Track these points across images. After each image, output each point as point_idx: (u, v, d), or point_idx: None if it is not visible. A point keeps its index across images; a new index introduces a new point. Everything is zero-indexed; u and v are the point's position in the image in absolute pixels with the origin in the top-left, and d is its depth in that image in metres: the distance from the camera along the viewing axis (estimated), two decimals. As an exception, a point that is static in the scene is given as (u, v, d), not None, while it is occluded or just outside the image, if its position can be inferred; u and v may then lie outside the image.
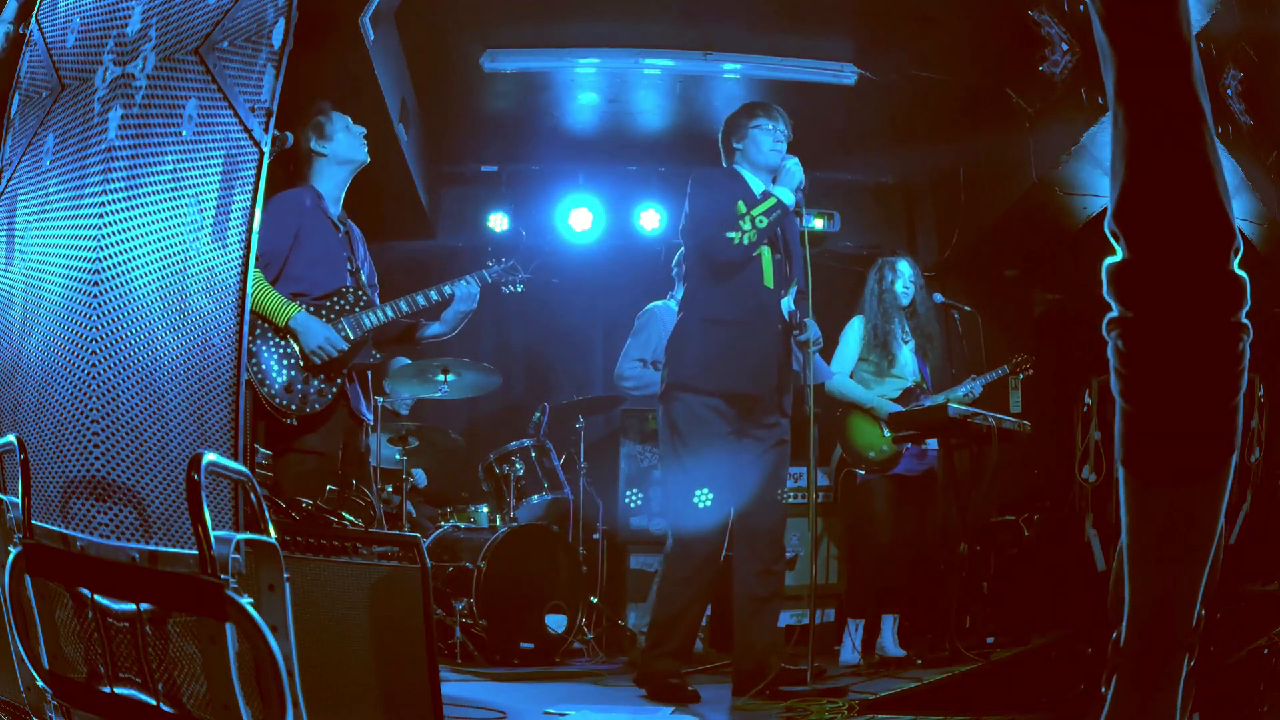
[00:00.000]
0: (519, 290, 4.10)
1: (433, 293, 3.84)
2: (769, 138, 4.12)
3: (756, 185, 4.10)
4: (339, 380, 3.65)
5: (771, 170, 4.11)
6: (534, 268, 4.14)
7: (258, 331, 3.54)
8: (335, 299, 3.69)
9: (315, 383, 3.59)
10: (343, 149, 3.82)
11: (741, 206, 4.00)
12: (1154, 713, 2.45)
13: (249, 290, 2.49)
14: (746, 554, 3.98)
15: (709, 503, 3.93)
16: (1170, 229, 2.39)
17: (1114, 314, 2.44)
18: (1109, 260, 2.44)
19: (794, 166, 4.08)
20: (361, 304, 3.72)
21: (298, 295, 3.63)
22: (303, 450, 3.58)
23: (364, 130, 3.87)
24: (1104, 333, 2.45)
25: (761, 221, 3.96)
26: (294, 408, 3.53)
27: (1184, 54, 2.40)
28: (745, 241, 3.95)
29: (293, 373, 3.56)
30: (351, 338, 3.65)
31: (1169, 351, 2.41)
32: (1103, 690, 2.53)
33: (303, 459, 3.58)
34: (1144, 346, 2.41)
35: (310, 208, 3.72)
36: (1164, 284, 2.40)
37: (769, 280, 4.03)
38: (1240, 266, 2.42)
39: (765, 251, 4.02)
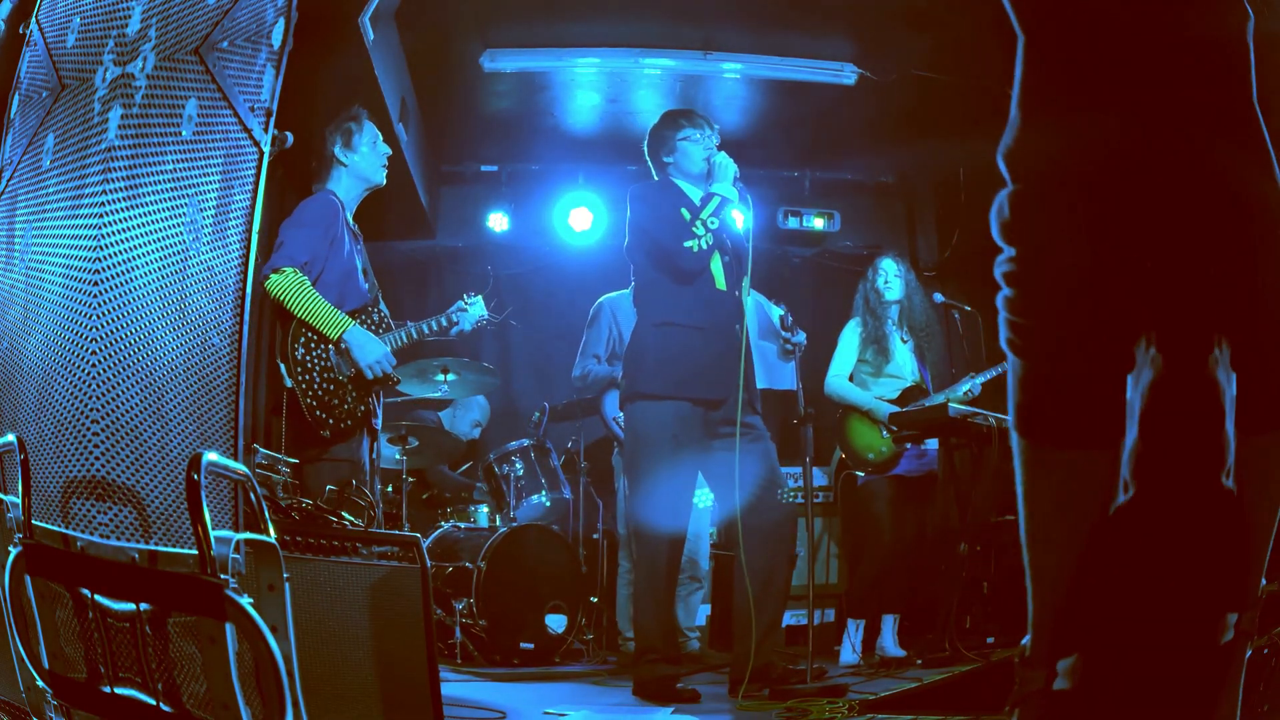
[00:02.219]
0: (489, 323, 4.12)
1: (443, 319, 3.91)
2: (698, 148, 4.07)
3: (695, 193, 4.07)
4: (370, 398, 3.70)
5: (706, 177, 4.06)
6: (506, 310, 4.19)
7: (304, 339, 3.57)
8: (361, 318, 3.72)
9: (350, 399, 3.63)
10: (363, 166, 3.81)
11: (685, 214, 3.98)
12: None
13: (249, 290, 2.49)
14: (746, 554, 3.98)
15: (677, 506, 3.95)
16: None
17: (1003, 256, 1.92)
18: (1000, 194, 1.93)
19: (723, 160, 4.02)
20: (383, 326, 3.76)
21: None
22: (335, 459, 3.64)
23: (389, 152, 3.88)
24: (997, 277, 1.92)
25: (714, 223, 3.95)
26: (331, 421, 3.59)
27: None
28: (704, 246, 3.93)
29: (332, 386, 3.60)
30: None
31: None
32: None
33: (336, 466, 3.63)
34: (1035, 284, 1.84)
35: (340, 216, 3.74)
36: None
37: (721, 283, 4.02)
38: None
39: (714, 256, 4.01)
